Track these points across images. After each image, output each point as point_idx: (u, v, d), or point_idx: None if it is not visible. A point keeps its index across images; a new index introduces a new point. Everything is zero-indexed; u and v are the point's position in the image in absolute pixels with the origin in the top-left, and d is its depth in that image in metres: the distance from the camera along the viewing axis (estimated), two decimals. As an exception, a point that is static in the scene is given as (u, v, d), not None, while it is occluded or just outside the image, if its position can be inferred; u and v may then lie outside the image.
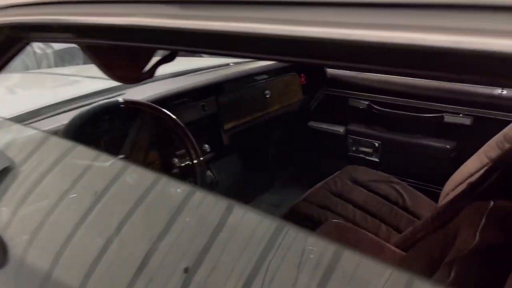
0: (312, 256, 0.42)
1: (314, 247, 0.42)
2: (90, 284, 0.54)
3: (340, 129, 1.97)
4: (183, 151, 1.28)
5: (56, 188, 0.69)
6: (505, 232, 0.67)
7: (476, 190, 0.97)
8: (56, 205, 0.66)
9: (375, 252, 1.08)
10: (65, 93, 1.51)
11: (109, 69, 0.66)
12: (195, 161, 1.23)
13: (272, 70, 1.84)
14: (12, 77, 2.06)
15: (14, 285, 0.63)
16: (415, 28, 0.31)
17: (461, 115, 1.61)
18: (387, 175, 1.57)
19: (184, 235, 0.49)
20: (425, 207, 1.43)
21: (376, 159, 1.89)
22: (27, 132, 0.84)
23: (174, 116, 1.23)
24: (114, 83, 1.32)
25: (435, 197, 1.45)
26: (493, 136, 1.23)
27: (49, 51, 3.76)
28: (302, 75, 1.99)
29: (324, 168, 1.77)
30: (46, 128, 1.16)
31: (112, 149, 1.20)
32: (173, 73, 1.70)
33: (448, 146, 1.66)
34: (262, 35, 0.40)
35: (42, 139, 0.75)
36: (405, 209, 1.42)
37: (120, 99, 1.14)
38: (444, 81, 1.58)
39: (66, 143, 0.70)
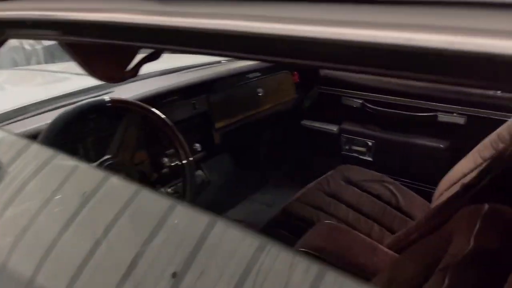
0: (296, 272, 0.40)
1: (298, 263, 0.40)
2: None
3: (334, 128, 1.96)
4: (172, 150, 1.25)
5: (41, 192, 0.66)
6: (500, 237, 0.66)
7: (470, 192, 0.95)
8: (40, 209, 0.64)
9: (367, 254, 1.07)
10: (53, 91, 1.48)
11: (91, 68, 0.63)
12: (184, 161, 1.20)
13: (265, 68, 1.81)
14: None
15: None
16: (405, 27, 0.29)
17: (455, 114, 1.60)
18: (380, 174, 1.56)
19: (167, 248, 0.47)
20: (419, 207, 1.42)
21: (370, 158, 1.88)
22: (11, 136, 0.81)
23: (162, 115, 1.20)
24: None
25: (428, 196, 1.44)
26: (487, 135, 1.22)
27: (38, 47, 3.69)
28: (295, 73, 1.96)
29: (317, 167, 1.75)
30: (31, 127, 1.13)
31: (99, 149, 1.18)
32: (163, 70, 1.66)
33: (441, 146, 1.64)
34: (247, 34, 0.38)
35: (26, 143, 0.72)
36: (398, 209, 1.41)
37: (107, 97, 1.11)
38: (435, 83, 1.57)
39: (48, 150, 0.67)
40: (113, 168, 1.06)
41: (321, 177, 1.55)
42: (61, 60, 3.91)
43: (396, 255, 1.07)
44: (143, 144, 1.33)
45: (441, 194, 1.31)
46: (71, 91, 1.46)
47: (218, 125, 1.61)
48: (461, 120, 1.58)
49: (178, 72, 1.68)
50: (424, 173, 1.71)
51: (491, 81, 0.27)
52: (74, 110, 1.03)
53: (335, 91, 1.94)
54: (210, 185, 1.67)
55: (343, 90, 1.91)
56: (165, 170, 1.42)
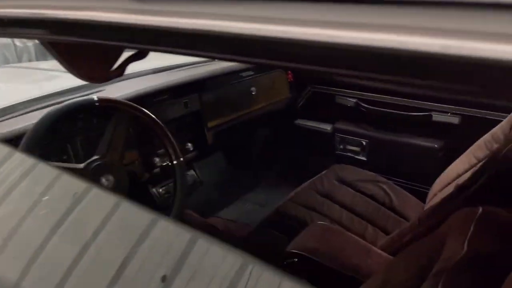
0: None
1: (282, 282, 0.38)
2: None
3: (328, 127, 1.94)
4: (163, 150, 1.23)
5: (27, 196, 0.64)
6: (495, 241, 0.65)
7: (464, 193, 0.94)
8: (27, 213, 0.62)
9: (361, 255, 1.05)
10: (43, 89, 1.46)
11: (74, 68, 0.61)
12: (174, 162, 1.18)
13: (258, 66, 1.79)
14: (-10, 72, 1.99)
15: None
16: (396, 29, 0.26)
17: (449, 114, 1.59)
18: (374, 174, 1.55)
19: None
20: (413, 208, 1.41)
21: (364, 158, 1.87)
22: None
23: (152, 115, 1.17)
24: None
25: (422, 196, 1.43)
26: (482, 135, 1.21)
27: (30, 44, 3.65)
28: (289, 71, 1.94)
29: (311, 167, 1.74)
30: (18, 126, 1.11)
31: (88, 149, 1.15)
32: (155, 69, 1.64)
33: (436, 146, 1.64)
34: (233, 34, 0.35)
35: (9, 152, 0.69)
36: (392, 209, 1.40)
37: (95, 97, 1.08)
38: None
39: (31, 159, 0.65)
40: (102, 168, 1.04)
41: (315, 177, 1.54)
42: (52, 57, 3.86)
43: (390, 257, 1.06)
44: (134, 144, 1.31)
45: (435, 194, 1.30)
46: (61, 90, 1.43)
47: (211, 124, 1.59)
48: (455, 120, 1.57)
49: (170, 71, 1.66)
50: (418, 173, 1.70)
51: (490, 90, 0.25)
52: (61, 109, 1.01)
53: (329, 90, 1.93)
54: (202, 185, 1.64)
55: (337, 89, 1.89)
56: (156, 170, 1.40)
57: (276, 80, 1.89)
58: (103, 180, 1.03)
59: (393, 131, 1.76)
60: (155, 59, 1.79)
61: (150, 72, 1.62)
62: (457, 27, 0.25)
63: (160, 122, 1.18)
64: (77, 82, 1.46)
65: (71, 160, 1.16)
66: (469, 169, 1.19)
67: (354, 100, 1.84)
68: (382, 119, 1.78)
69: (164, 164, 1.32)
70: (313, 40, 0.28)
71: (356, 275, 0.99)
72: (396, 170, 1.75)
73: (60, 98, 1.32)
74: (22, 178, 0.63)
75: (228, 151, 2.07)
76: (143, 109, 1.16)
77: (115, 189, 1.04)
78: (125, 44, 0.50)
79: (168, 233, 0.45)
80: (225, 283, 0.38)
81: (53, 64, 2.62)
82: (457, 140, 1.51)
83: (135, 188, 1.29)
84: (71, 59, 0.60)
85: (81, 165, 1.03)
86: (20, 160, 0.62)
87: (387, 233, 1.28)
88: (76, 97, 1.16)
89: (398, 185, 1.53)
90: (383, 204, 1.42)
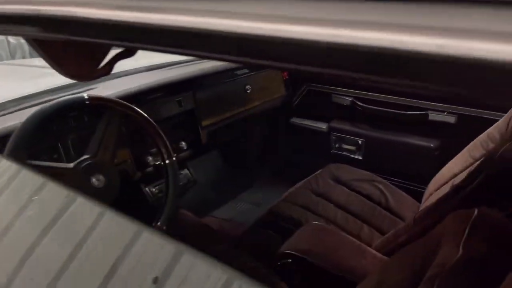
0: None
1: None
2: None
3: (323, 126, 1.93)
4: (156, 149, 1.21)
5: (15, 201, 0.62)
6: (489, 244, 0.63)
7: (460, 193, 0.93)
8: (16, 216, 0.60)
9: (355, 256, 1.04)
10: (35, 86, 1.44)
11: (59, 65, 0.59)
12: (167, 161, 1.16)
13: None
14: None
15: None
16: (389, 27, 0.25)
17: (445, 113, 1.58)
18: (370, 173, 1.54)
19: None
20: (408, 207, 1.40)
21: (359, 157, 1.86)
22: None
23: (143, 113, 1.15)
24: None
25: (418, 196, 1.42)
26: (478, 135, 1.20)
27: (23, 41, 3.61)
28: (285, 70, 1.93)
29: (306, 166, 1.72)
30: (7, 125, 1.09)
31: (79, 148, 1.13)
32: (148, 66, 1.62)
33: (432, 145, 1.63)
34: (229, 33, 0.34)
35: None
36: (388, 209, 1.39)
37: (85, 95, 1.06)
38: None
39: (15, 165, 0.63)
40: (92, 168, 1.02)
41: (310, 176, 1.53)
42: (47, 54, 3.82)
43: (385, 257, 1.05)
44: (126, 143, 1.29)
45: (431, 194, 1.29)
46: (53, 87, 1.41)
47: (205, 123, 1.57)
48: (451, 119, 1.56)
49: (164, 68, 1.64)
50: (414, 172, 1.70)
51: (489, 92, 0.23)
52: (50, 107, 0.99)
53: (325, 89, 1.91)
54: (196, 184, 1.63)
55: (333, 88, 1.88)
56: (149, 169, 1.38)
57: (271, 78, 1.87)
58: (94, 180, 1.01)
59: (389, 130, 1.75)
60: (149, 56, 1.77)
61: (143, 70, 1.60)
62: (454, 25, 0.23)
63: (152, 121, 1.16)
64: (70, 79, 1.44)
65: (62, 159, 1.14)
66: (465, 168, 1.18)
67: (350, 99, 1.83)
68: (378, 118, 1.77)
69: (157, 163, 1.30)
70: (299, 39, 0.27)
71: (350, 276, 0.98)
72: (392, 169, 1.75)
73: (52, 96, 1.30)
74: (5, 187, 0.61)
75: (222, 150, 2.06)
76: (135, 107, 1.14)
77: (106, 188, 1.03)
78: (112, 42, 0.48)
79: (153, 246, 0.43)
80: None
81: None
82: (453, 139, 1.50)
83: (127, 187, 1.27)
84: (57, 56, 0.58)
85: (71, 165, 1.01)
86: (5, 166, 0.60)
87: (382, 233, 1.27)
88: (67, 95, 1.14)
89: (394, 184, 1.52)
90: (378, 204, 1.41)
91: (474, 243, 0.63)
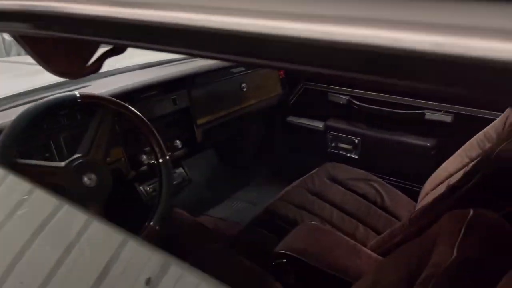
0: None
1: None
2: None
3: (319, 125, 1.92)
4: (149, 147, 1.19)
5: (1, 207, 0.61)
6: (484, 244, 0.63)
7: (456, 193, 0.92)
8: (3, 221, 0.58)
9: (350, 256, 1.04)
10: (28, 84, 1.42)
11: (47, 63, 0.58)
12: (160, 160, 1.15)
13: None
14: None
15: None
16: (382, 24, 0.23)
17: (442, 112, 1.57)
18: (366, 172, 1.53)
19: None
20: (404, 207, 1.39)
21: (356, 156, 1.85)
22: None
23: (136, 111, 1.14)
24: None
25: (414, 195, 1.42)
26: (475, 134, 1.20)
27: (18, 38, 3.58)
28: (281, 67, 1.92)
29: (302, 165, 1.71)
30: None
31: (72, 146, 1.12)
32: (142, 64, 1.60)
33: (428, 144, 1.62)
34: (226, 31, 0.32)
35: None
36: (384, 208, 1.39)
37: (77, 93, 1.04)
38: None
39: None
40: (84, 167, 1.00)
41: (306, 175, 1.52)
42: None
43: (380, 258, 1.04)
44: (120, 141, 1.28)
45: (427, 193, 1.29)
46: (47, 85, 1.39)
47: (200, 121, 1.56)
48: (448, 118, 1.56)
49: (159, 66, 1.62)
50: (410, 171, 1.69)
51: (486, 92, 0.22)
52: (40, 105, 0.97)
53: (321, 87, 1.90)
54: (191, 183, 1.61)
55: (330, 86, 1.87)
56: (143, 167, 1.37)
57: (268, 77, 1.86)
58: (86, 179, 0.99)
59: (386, 129, 1.74)
60: (143, 54, 1.76)
61: (137, 67, 1.58)
62: (450, 21, 0.22)
63: (145, 119, 1.15)
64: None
65: (54, 158, 1.12)
66: (461, 168, 1.17)
67: (347, 98, 1.82)
68: (374, 117, 1.76)
69: (151, 161, 1.29)
70: (287, 36, 0.25)
71: (345, 276, 0.98)
72: (388, 169, 1.74)
73: (45, 93, 1.28)
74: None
75: (218, 149, 2.04)
76: (127, 105, 1.13)
77: (98, 187, 1.01)
78: (101, 39, 0.47)
79: (140, 256, 0.42)
80: None
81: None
82: (450, 138, 1.49)
83: (121, 186, 1.26)
84: (45, 54, 0.57)
85: (62, 164, 0.99)
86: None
87: (378, 232, 1.27)
88: (60, 93, 1.12)
89: (390, 183, 1.51)
90: (374, 203, 1.40)
91: (469, 243, 0.62)
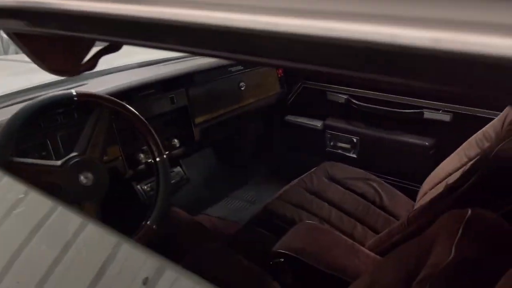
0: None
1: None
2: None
3: (318, 124, 1.92)
4: (147, 146, 1.19)
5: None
6: (482, 245, 0.62)
7: (454, 193, 0.92)
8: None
9: (348, 256, 1.03)
10: (25, 82, 1.41)
11: (42, 60, 0.57)
12: (157, 159, 1.14)
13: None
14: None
15: None
16: (378, 19, 0.23)
17: (441, 111, 1.57)
18: (364, 172, 1.53)
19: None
20: (403, 206, 1.39)
21: (354, 155, 1.85)
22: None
23: (133, 110, 1.13)
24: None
25: (412, 194, 1.42)
26: (473, 133, 1.20)
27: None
28: (279, 66, 1.91)
29: (301, 164, 1.71)
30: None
31: (69, 145, 1.11)
32: (140, 63, 1.59)
33: (427, 143, 1.62)
34: (210, 26, 0.32)
35: None
36: (382, 208, 1.38)
37: (74, 91, 1.04)
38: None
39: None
40: (80, 165, 1.00)
41: (304, 174, 1.52)
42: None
43: (378, 257, 1.04)
44: (118, 140, 1.27)
45: (426, 193, 1.29)
46: (44, 83, 1.39)
47: (198, 120, 1.55)
48: (447, 118, 1.55)
49: (157, 65, 1.61)
50: (409, 171, 1.69)
51: (487, 90, 0.21)
52: (35, 104, 0.96)
53: (320, 86, 1.90)
54: (189, 182, 1.61)
55: (328, 85, 1.86)
56: (141, 166, 1.36)
57: (266, 75, 1.85)
58: (82, 177, 0.99)
59: (384, 128, 1.74)
60: (140, 53, 1.75)
61: (135, 66, 1.58)
62: (450, 16, 0.21)
63: (142, 118, 1.14)
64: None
65: (50, 157, 1.11)
66: (460, 167, 1.17)
67: (345, 97, 1.81)
68: (373, 116, 1.76)
69: (149, 160, 1.28)
70: (281, 32, 0.25)
71: (343, 275, 0.97)
72: (386, 168, 1.74)
73: (41, 91, 1.27)
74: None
75: (216, 148, 2.04)
76: (124, 104, 1.12)
77: (95, 186, 1.01)
78: (96, 36, 0.47)
79: (135, 260, 0.41)
80: None
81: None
82: (449, 138, 1.49)
83: (119, 185, 1.25)
84: (39, 51, 0.56)
85: (58, 162, 0.99)
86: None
87: (376, 232, 1.27)
88: (56, 91, 1.11)
89: (388, 183, 1.51)
90: (373, 203, 1.40)
91: (467, 243, 0.62)
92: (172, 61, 1.65)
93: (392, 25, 0.22)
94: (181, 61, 1.65)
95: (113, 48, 0.61)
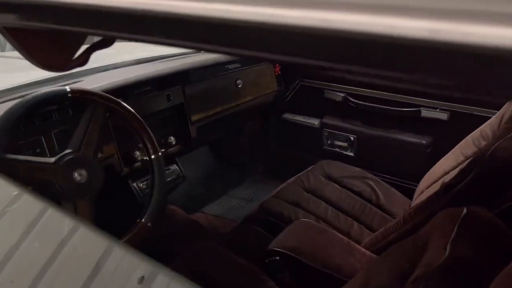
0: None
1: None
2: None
3: (315, 122, 1.91)
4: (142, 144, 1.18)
5: None
6: (477, 244, 0.62)
7: (450, 192, 0.91)
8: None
9: (344, 254, 1.03)
10: (25, 78, 1.40)
11: (32, 55, 0.56)
12: (152, 156, 1.13)
13: (245, 58, 1.75)
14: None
15: None
16: (373, 9, 0.22)
17: (438, 109, 1.56)
18: (361, 170, 1.52)
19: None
20: (399, 205, 1.39)
21: (351, 154, 1.84)
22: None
23: (128, 107, 1.12)
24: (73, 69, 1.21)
25: (409, 193, 1.41)
26: (470, 132, 1.19)
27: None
28: (277, 64, 1.90)
29: (298, 162, 1.70)
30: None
31: (63, 142, 1.10)
32: (137, 59, 1.58)
33: (424, 142, 1.61)
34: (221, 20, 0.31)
35: None
36: (379, 206, 1.38)
37: (67, 87, 1.03)
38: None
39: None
40: (74, 162, 0.99)
41: (301, 173, 1.51)
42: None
43: (374, 256, 1.03)
44: (112, 137, 1.26)
45: (422, 191, 1.28)
46: (40, 79, 1.37)
47: (195, 118, 1.54)
48: (444, 116, 1.55)
49: (153, 62, 1.60)
50: (405, 169, 1.68)
51: (488, 85, 0.20)
52: (29, 100, 0.95)
53: (317, 84, 1.89)
54: (185, 180, 1.60)
55: (326, 83, 1.86)
56: (137, 164, 1.35)
57: (263, 73, 1.84)
58: (76, 174, 0.98)
59: (381, 126, 1.73)
60: (137, 49, 1.73)
61: (132, 63, 1.56)
62: (449, 6, 0.21)
63: (137, 115, 1.13)
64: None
65: (45, 154, 1.10)
66: (456, 166, 1.17)
67: (343, 95, 1.81)
68: (370, 115, 1.76)
69: (145, 158, 1.27)
70: (265, 22, 0.24)
71: (338, 274, 0.97)
72: (383, 166, 1.73)
73: (36, 88, 1.26)
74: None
75: (213, 146, 2.03)
76: (119, 100, 1.11)
77: (89, 183, 1.00)
78: (88, 30, 0.46)
79: (130, 258, 0.41)
80: None
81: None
82: (446, 136, 1.49)
83: (114, 183, 1.24)
84: (29, 46, 0.55)
85: (52, 159, 0.98)
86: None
87: (372, 230, 1.26)
88: (53, 88, 1.10)
89: (385, 181, 1.51)
90: (369, 201, 1.40)
91: (462, 242, 0.62)
92: (169, 58, 1.64)
93: (391, 15, 0.21)
94: (178, 58, 1.64)
95: (105, 43, 0.60)
